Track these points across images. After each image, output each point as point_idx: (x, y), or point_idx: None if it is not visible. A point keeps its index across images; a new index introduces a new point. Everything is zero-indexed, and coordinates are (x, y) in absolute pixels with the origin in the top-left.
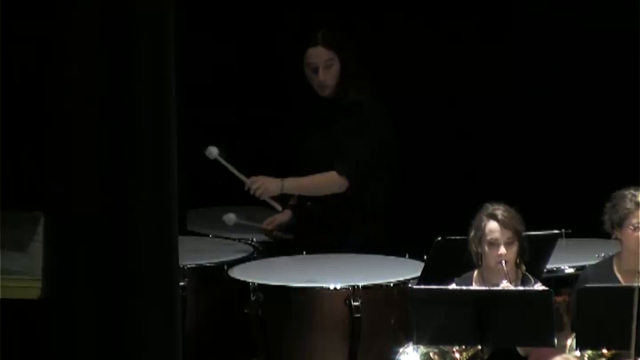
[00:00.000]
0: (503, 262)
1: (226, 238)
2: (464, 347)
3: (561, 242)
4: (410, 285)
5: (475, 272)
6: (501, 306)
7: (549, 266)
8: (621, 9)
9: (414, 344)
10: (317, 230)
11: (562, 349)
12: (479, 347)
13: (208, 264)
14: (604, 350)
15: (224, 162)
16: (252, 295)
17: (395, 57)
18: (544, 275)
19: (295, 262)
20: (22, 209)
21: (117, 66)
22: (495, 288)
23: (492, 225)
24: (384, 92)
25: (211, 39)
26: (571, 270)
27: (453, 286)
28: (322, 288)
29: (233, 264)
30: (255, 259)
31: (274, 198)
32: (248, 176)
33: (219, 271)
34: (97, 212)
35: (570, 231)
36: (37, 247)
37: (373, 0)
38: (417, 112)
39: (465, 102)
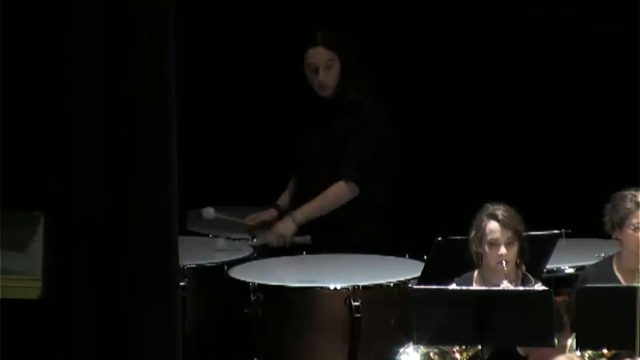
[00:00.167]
0: (503, 262)
1: (227, 238)
2: (464, 347)
3: (561, 242)
4: (410, 285)
5: (476, 272)
6: (501, 306)
7: (549, 266)
8: (621, 8)
9: (414, 344)
10: (317, 230)
11: (562, 349)
12: (479, 347)
13: (208, 264)
14: (604, 350)
15: (226, 218)
16: (252, 295)
17: (395, 57)
18: (544, 275)
19: (295, 262)
20: (22, 209)
21: (117, 66)
22: (496, 288)
23: (493, 226)
24: (384, 92)
25: (211, 38)
26: (571, 270)
27: (453, 286)
28: (322, 288)
29: (233, 264)
30: (255, 259)
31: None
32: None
33: (219, 271)
34: (97, 212)
35: (570, 231)
36: (37, 247)
37: (373, 0)
38: (417, 112)
39: (465, 102)
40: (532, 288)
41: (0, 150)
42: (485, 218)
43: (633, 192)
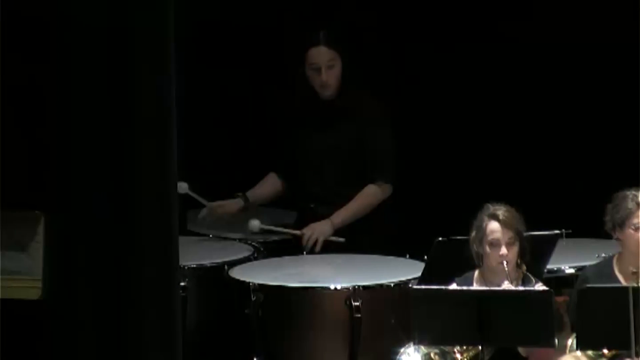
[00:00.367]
0: (504, 262)
1: (225, 238)
2: (464, 347)
3: (561, 242)
4: (411, 285)
5: (476, 272)
6: (502, 306)
7: (549, 266)
8: (621, 7)
9: (414, 344)
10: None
11: (562, 349)
12: (480, 347)
13: (208, 264)
14: (605, 351)
15: (273, 229)
16: (252, 295)
17: (395, 57)
18: (544, 276)
19: (296, 262)
20: (22, 209)
21: (117, 66)
22: (496, 288)
23: (494, 226)
24: (384, 92)
25: (211, 38)
26: (571, 271)
27: (454, 286)
28: (322, 288)
29: (233, 264)
30: (255, 259)
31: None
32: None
33: (219, 271)
34: (97, 212)
35: (570, 231)
36: (37, 247)
37: (373, 1)
38: (417, 112)
39: (465, 102)
40: (532, 288)
41: (0, 150)
42: (486, 218)
43: (634, 192)
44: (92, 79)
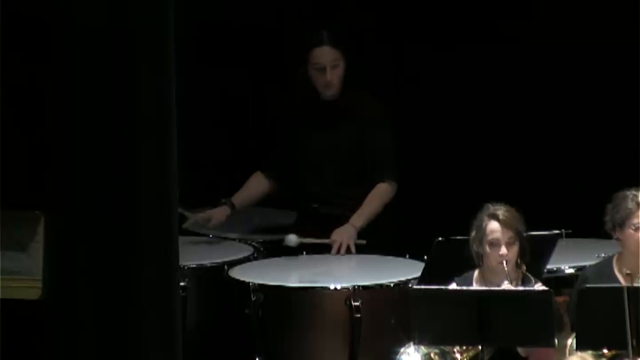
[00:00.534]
0: (504, 262)
1: (225, 238)
2: (464, 347)
3: (561, 242)
4: (410, 285)
5: (476, 272)
6: (502, 306)
7: (549, 266)
8: (621, 7)
9: (414, 344)
10: (319, 230)
11: (562, 349)
12: (480, 347)
13: (208, 264)
14: (604, 351)
15: (312, 242)
16: (252, 295)
17: (395, 57)
18: (544, 276)
19: (296, 262)
20: (22, 209)
21: (117, 66)
22: (496, 288)
23: (493, 226)
24: (384, 92)
25: (211, 38)
26: (571, 271)
27: (453, 286)
28: (322, 288)
29: (233, 264)
30: (255, 259)
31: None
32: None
33: (219, 271)
34: (97, 212)
35: (570, 231)
36: (37, 247)
37: (374, 2)
38: (417, 112)
39: (465, 102)
40: (532, 288)
41: (0, 150)
42: (485, 218)
43: (634, 192)
44: (92, 79)
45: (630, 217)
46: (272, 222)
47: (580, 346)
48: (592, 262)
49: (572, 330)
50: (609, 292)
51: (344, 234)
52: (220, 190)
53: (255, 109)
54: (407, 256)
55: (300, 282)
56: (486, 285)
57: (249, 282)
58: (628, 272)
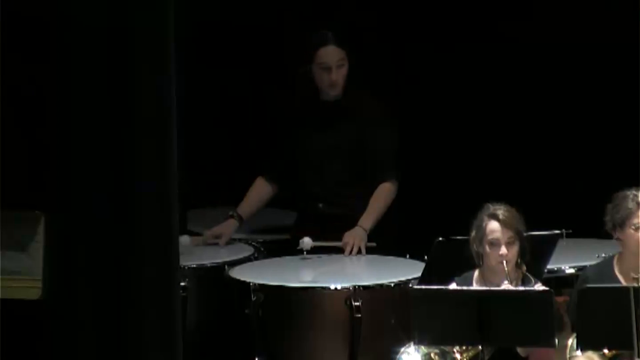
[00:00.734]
0: (504, 262)
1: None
2: (464, 347)
3: (561, 242)
4: (411, 285)
5: (476, 272)
6: (502, 306)
7: (549, 266)
8: (621, 7)
9: (414, 344)
10: (320, 230)
11: (562, 349)
12: (480, 347)
13: (208, 264)
14: (605, 351)
15: (325, 244)
16: (252, 295)
17: (395, 57)
18: (544, 276)
19: (296, 262)
20: (22, 209)
21: (117, 66)
22: (496, 288)
23: (493, 225)
24: (384, 92)
25: (211, 38)
26: (572, 271)
27: (453, 286)
28: (322, 288)
29: (233, 264)
30: (255, 259)
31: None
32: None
33: (219, 271)
34: (97, 212)
35: (570, 231)
36: (37, 247)
37: (374, 1)
38: (417, 112)
39: (465, 102)
40: (532, 288)
41: (0, 150)
42: (485, 218)
43: (634, 192)
44: (92, 79)
45: (630, 217)
46: (272, 222)
47: (580, 346)
48: (593, 262)
49: (572, 330)
50: (610, 292)
51: (355, 237)
52: (220, 190)
53: (255, 109)
54: (408, 256)
55: (300, 282)
56: (486, 285)
57: (249, 282)
58: (635, 276)
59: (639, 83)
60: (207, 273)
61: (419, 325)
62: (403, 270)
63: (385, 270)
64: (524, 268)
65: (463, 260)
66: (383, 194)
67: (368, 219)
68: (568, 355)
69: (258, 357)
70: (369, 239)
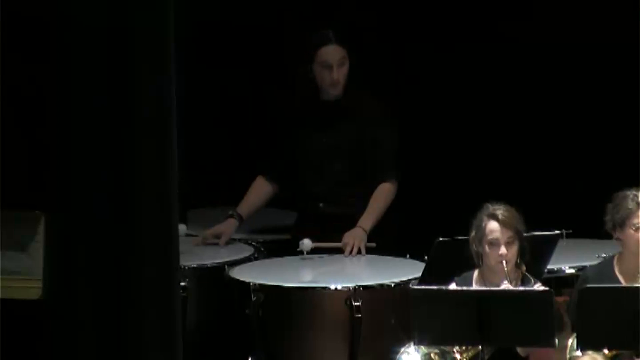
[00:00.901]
0: (504, 262)
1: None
2: (464, 347)
3: (561, 242)
4: (411, 285)
5: (476, 272)
6: (502, 306)
7: (549, 266)
8: (621, 7)
9: (414, 344)
10: (320, 230)
11: (562, 349)
12: (480, 347)
13: (209, 264)
14: (605, 351)
15: (325, 245)
16: (252, 295)
17: (395, 57)
18: (544, 276)
19: (296, 262)
20: (22, 209)
21: (118, 65)
22: (496, 288)
23: (493, 225)
24: (384, 92)
25: (211, 38)
26: (572, 271)
27: (453, 286)
28: (322, 288)
29: (233, 264)
30: (255, 259)
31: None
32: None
33: (219, 271)
34: (97, 212)
35: (570, 231)
36: (37, 247)
37: (375, 2)
38: (417, 112)
39: (465, 102)
40: (532, 288)
41: (0, 150)
42: (485, 218)
43: (635, 192)
44: (92, 79)
45: (630, 217)
46: (272, 222)
47: (581, 346)
48: (593, 262)
49: (572, 330)
50: (610, 292)
51: (355, 237)
52: (220, 190)
53: (255, 109)
54: (408, 256)
55: (300, 282)
56: (486, 285)
57: (249, 282)
58: None
59: (639, 83)
60: (207, 273)
61: (419, 325)
62: (403, 270)
63: (385, 270)
64: (524, 268)
65: (463, 260)
66: (383, 194)
67: (368, 219)
68: (568, 356)
69: (258, 357)
70: (369, 239)
